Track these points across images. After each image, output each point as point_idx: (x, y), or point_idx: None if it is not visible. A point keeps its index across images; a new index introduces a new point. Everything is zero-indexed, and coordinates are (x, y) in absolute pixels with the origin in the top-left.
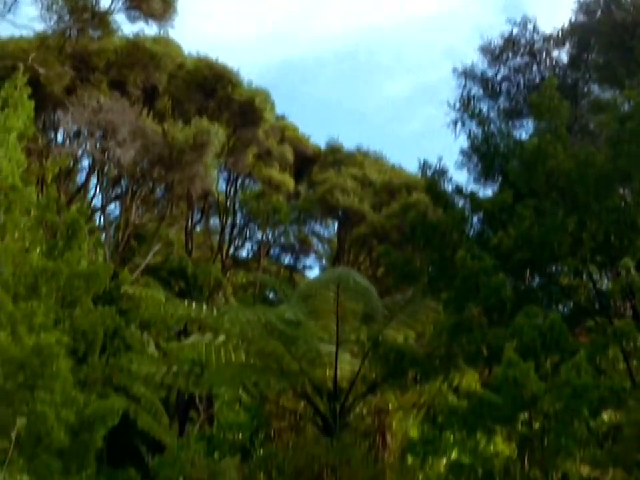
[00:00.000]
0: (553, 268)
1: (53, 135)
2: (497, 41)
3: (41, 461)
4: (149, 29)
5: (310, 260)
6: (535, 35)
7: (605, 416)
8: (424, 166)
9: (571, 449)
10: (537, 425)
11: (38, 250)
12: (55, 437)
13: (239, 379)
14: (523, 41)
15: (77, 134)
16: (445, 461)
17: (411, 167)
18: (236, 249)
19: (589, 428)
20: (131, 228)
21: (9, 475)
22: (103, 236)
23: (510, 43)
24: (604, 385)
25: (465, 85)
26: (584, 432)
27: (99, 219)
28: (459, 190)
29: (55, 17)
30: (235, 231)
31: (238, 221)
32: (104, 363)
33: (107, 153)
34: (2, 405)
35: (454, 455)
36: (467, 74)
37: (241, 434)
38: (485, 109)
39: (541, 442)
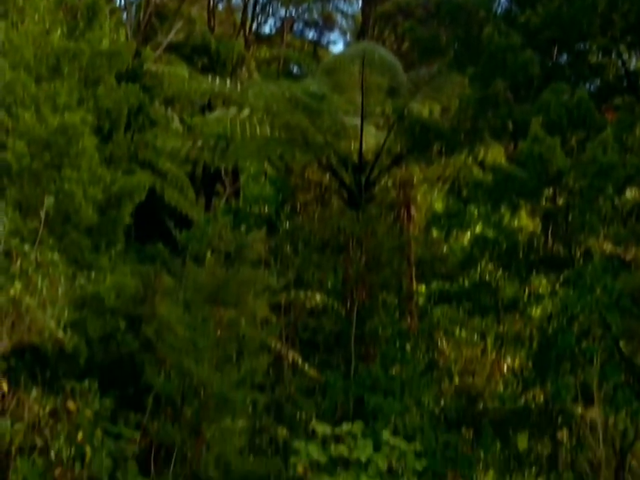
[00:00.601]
0: (582, 46)
1: None
2: None
3: (70, 239)
4: None
5: (334, 36)
6: None
7: (630, 194)
8: None
9: (595, 225)
10: (561, 201)
11: (58, 32)
12: (83, 215)
13: (264, 152)
14: None
15: None
16: (469, 234)
17: None
18: (259, 25)
19: (614, 205)
20: (152, 7)
21: (40, 254)
22: (124, 16)
23: None
24: (630, 162)
25: None
26: (608, 209)
27: (119, 0)
28: None
29: None
30: (258, 8)
31: None
32: (129, 140)
33: None
34: (30, 185)
35: (478, 229)
36: None
37: (266, 207)
38: None
39: (565, 218)
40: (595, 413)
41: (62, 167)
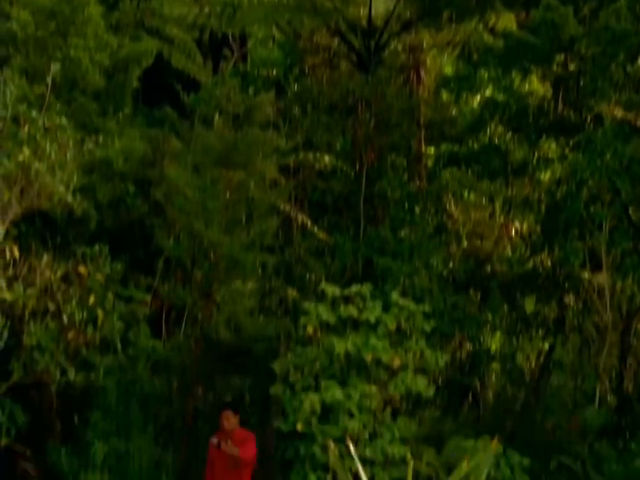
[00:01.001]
0: None
1: None
2: None
3: (78, 104)
4: None
5: None
6: None
7: None
8: None
9: (606, 90)
10: (572, 67)
11: None
12: (90, 80)
13: (272, 17)
14: None
15: None
16: (479, 97)
17: None
18: None
19: (626, 72)
20: None
21: (48, 119)
22: None
23: None
24: None
25: None
26: (620, 75)
27: None
28: None
29: None
30: None
31: None
32: (135, 7)
33: None
34: (35, 53)
35: (488, 92)
36: None
37: (275, 70)
38: None
39: (577, 83)
40: (602, 278)
41: (67, 35)
